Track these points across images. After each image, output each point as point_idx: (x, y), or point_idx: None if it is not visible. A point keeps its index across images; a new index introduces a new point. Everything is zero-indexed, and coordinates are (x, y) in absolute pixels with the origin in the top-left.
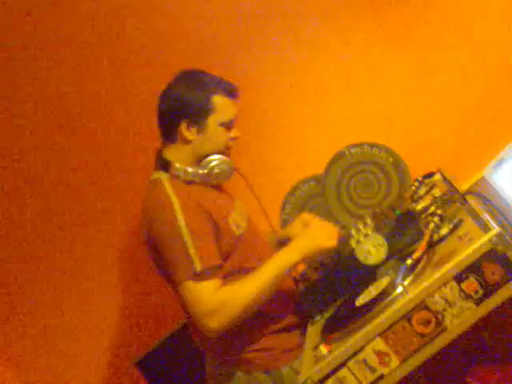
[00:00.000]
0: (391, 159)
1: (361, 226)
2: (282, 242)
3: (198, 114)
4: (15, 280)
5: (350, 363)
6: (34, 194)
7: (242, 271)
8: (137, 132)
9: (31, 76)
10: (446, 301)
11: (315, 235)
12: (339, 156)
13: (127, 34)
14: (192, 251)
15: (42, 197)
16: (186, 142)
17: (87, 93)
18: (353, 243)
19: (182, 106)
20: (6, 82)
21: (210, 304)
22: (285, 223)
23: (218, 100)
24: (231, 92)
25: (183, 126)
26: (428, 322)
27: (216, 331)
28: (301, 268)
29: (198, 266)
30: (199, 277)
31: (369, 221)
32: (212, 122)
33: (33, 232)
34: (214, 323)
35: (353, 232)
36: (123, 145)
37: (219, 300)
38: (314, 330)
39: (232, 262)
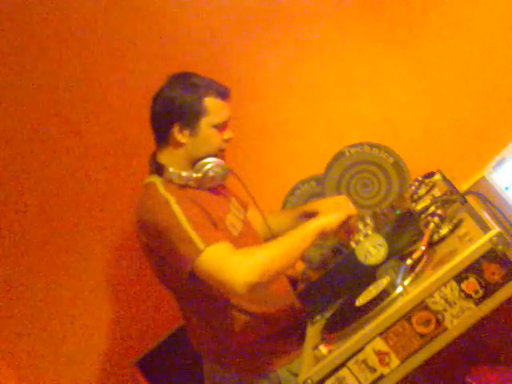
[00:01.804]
0: (391, 159)
1: (361, 226)
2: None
3: (189, 117)
4: (15, 281)
5: (350, 363)
6: (31, 197)
7: None
8: (136, 133)
9: (30, 76)
10: (446, 301)
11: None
12: (339, 156)
13: (127, 34)
14: (193, 235)
15: (39, 200)
16: (179, 145)
17: (85, 95)
18: (353, 243)
19: (173, 109)
20: (5, 82)
21: (230, 260)
22: None
23: (210, 102)
24: (223, 93)
25: (176, 129)
26: (428, 322)
27: (248, 285)
28: (301, 268)
29: (202, 246)
30: (204, 250)
31: (369, 221)
32: (204, 124)
33: (32, 233)
34: (242, 276)
35: None
36: (122, 146)
37: (239, 254)
38: (313, 330)
39: None
